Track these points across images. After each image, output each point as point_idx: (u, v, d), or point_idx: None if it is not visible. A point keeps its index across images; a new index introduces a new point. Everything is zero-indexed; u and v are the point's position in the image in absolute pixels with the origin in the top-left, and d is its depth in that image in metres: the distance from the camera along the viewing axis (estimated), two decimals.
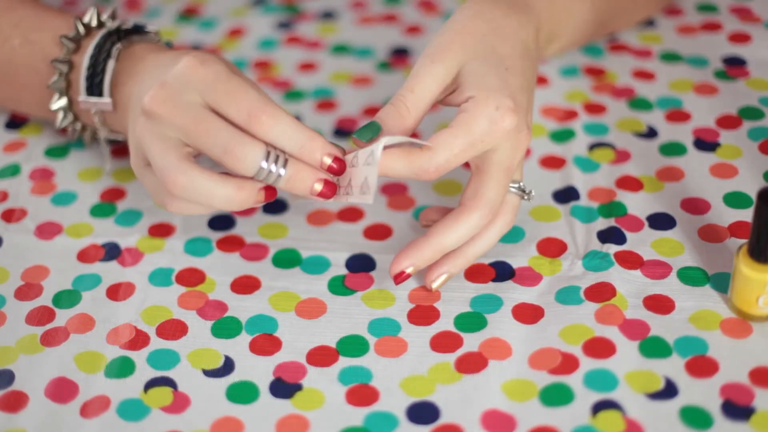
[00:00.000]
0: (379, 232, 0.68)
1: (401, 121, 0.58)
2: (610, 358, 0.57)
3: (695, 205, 0.67)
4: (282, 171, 0.56)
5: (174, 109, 0.56)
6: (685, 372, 0.56)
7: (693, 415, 0.54)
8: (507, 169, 0.59)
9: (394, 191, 0.71)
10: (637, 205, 0.67)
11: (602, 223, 0.66)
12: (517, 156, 0.59)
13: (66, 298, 0.64)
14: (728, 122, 0.73)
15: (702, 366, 0.57)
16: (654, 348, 0.58)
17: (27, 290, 0.64)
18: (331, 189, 0.57)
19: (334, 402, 0.57)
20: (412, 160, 0.56)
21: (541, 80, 0.80)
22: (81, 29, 0.67)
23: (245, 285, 0.64)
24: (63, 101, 0.67)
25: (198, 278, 0.65)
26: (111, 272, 0.65)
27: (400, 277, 0.60)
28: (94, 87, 0.65)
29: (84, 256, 0.67)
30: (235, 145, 0.55)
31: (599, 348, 0.58)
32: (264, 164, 0.56)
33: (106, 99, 0.65)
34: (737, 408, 0.54)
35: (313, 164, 0.57)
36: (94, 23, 0.68)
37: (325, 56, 0.85)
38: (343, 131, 0.77)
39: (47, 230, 0.69)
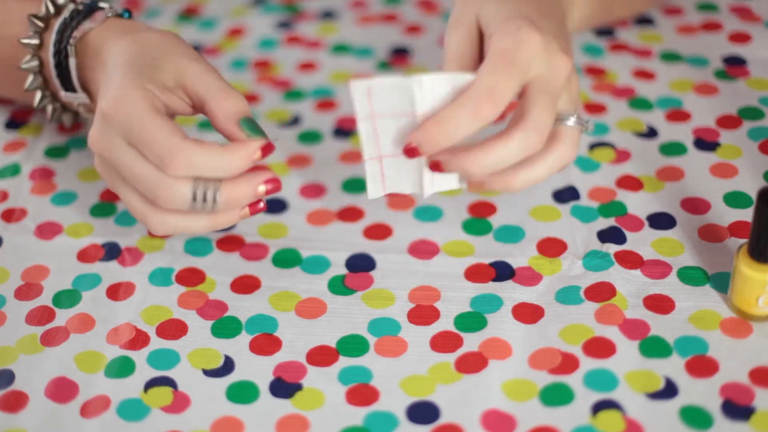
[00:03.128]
0: (379, 232, 0.68)
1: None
2: (610, 358, 0.57)
3: (695, 205, 0.67)
4: (217, 196, 0.56)
5: (107, 150, 0.57)
6: (685, 372, 0.56)
7: (693, 415, 0.54)
8: (548, 91, 0.57)
9: None
10: (638, 204, 0.67)
11: (602, 223, 0.66)
12: (558, 78, 0.57)
13: (66, 298, 0.64)
14: (728, 122, 0.73)
15: (702, 366, 0.57)
16: (654, 348, 0.58)
17: (27, 290, 0.64)
18: (275, 184, 0.58)
19: (334, 402, 0.57)
20: (463, 98, 0.55)
21: None
22: (50, 8, 0.65)
23: (245, 285, 0.64)
24: (38, 81, 0.66)
25: (198, 278, 0.65)
26: (111, 272, 0.65)
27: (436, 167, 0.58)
28: (67, 83, 0.65)
29: (84, 255, 0.66)
30: (158, 188, 0.56)
31: (599, 348, 0.58)
32: (195, 199, 0.56)
33: (81, 94, 0.64)
34: (737, 408, 0.54)
35: (246, 185, 0.57)
36: (52, 11, 0.66)
37: (325, 56, 0.85)
38: (343, 131, 0.76)
39: (47, 230, 0.69)
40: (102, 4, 0.66)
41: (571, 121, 0.59)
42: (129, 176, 0.57)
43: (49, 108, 0.68)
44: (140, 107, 0.56)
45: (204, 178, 0.56)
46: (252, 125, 0.57)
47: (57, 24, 0.64)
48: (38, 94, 0.67)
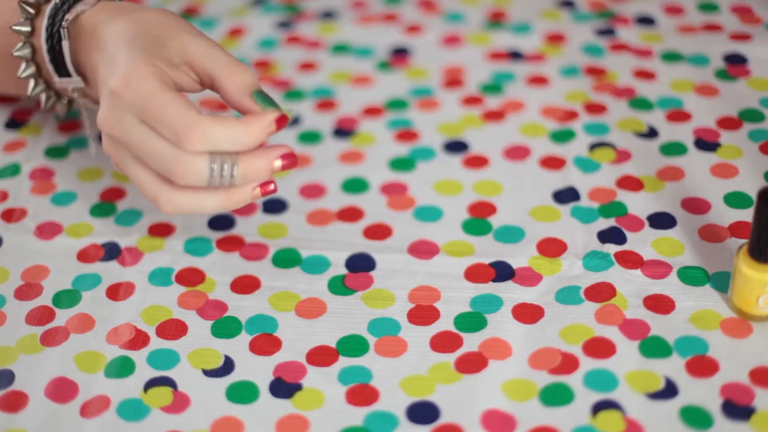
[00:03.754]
0: (379, 232, 0.68)
1: None
2: (610, 358, 0.57)
3: (695, 205, 0.67)
4: (234, 171, 0.56)
5: (118, 129, 0.56)
6: (685, 372, 0.56)
7: (693, 415, 0.54)
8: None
9: (394, 191, 0.71)
10: (638, 204, 0.67)
11: (602, 224, 0.66)
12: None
13: (66, 298, 0.63)
14: (729, 123, 0.73)
15: (702, 366, 0.57)
16: (654, 348, 0.58)
17: (27, 290, 0.64)
18: (291, 159, 0.57)
19: (334, 402, 0.57)
20: None
21: (542, 80, 0.80)
22: None
23: (245, 285, 0.64)
24: (31, 69, 0.65)
25: (198, 278, 0.65)
26: (111, 272, 0.65)
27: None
28: (61, 68, 0.64)
29: (84, 255, 0.66)
30: (175, 164, 0.55)
31: (599, 348, 0.58)
32: (213, 174, 0.55)
33: (76, 77, 0.63)
34: (737, 408, 0.54)
35: (263, 159, 0.56)
36: None
37: (325, 56, 0.85)
38: (343, 131, 0.76)
39: (47, 230, 0.68)
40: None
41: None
42: (143, 153, 0.56)
43: (43, 96, 0.67)
44: (151, 83, 0.56)
45: (220, 153, 0.55)
46: (265, 97, 0.57)
47: (48, 9, 0.63)
48: (31, 82, 0.66)
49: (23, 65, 0.65)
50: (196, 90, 0.60)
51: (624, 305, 0.60)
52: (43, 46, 0.63)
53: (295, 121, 0.78)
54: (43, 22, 0.63)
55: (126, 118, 0.56)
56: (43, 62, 0.65)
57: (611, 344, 0.58)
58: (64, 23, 0.62)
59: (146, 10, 0.61)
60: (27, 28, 0.64)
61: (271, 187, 0.58)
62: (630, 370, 0.57)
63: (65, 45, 0.63)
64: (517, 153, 0.73)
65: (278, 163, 0.57)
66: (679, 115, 0.75)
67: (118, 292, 0.64)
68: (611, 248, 0.64)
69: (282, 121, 0.57)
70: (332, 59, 0.84)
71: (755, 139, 0.71)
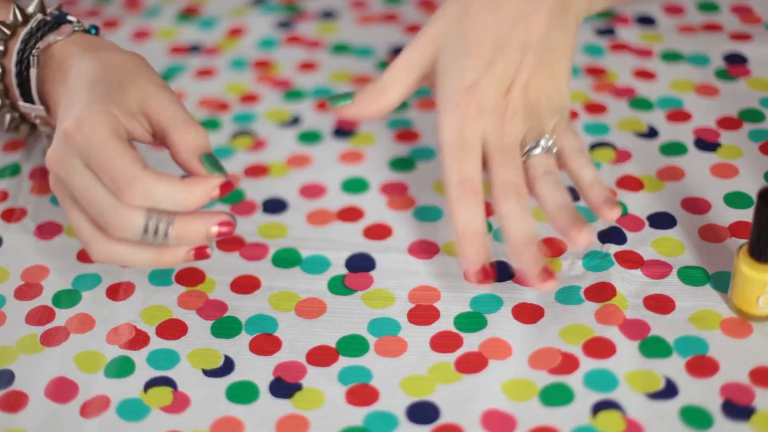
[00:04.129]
0: (379, 232, 0.68)
1: (377, 97, 0.62)
2: (610, 358, 0.57)
3: (696, 205, 0.67)
4: (169, 230, 0.55)
5: (64, 170, 0.56)
6: (685, 372, 0.56)
7: (693, 415, 0.54)
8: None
9: (394, 191, 0.71)
10: (638, 204, 0.67)
11: (603, 223, 0.66)
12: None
13: (66, 298, 0.64)
14: (729, 123, 0.73)
15: (702, 366, 0.57)
16: (654, 348, 0.58)
17: (27, 290, 0.64)
18: (229, 227, 0.56)
19: (334, 402, 0.57)
20: None
21: None
22: (18, 16, 0.64)
23: (245, 285, 0.64)
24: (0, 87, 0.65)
25: (198, 278, 0.65)
26: (111, 272, 0.65)
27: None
28: (27, 94, 0.63)
29: (84, 255, 0.66)
30: (110, 215, 0.55)
31: (599, 348, 0.58)
32: (147, 231, 0.55)
33: (39, 106, 0.63)
34: (737, 408, 0.54)
35: (200, 223, 0.56)
36: (20, 19, 0.65)
37: (325, 56, 0.85)
38: (342, 131, 0.77)
39: (47, 230, 0.68)
40: (70, 18, 0.65)
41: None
42: (82, 199, 0.56)
43: (8, 117, 0.66)
44: (102, 132, 0.55)
45: (158, 211, 0.55)
46: (213, 161, 0.56)
47: (23, 33, 0.63)
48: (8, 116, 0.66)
49: None
50: (148, 141, 0.59)
51: (624, 305, 0.60)
52: (12, 69, 0.63)
53: (295, 121, 0.78)
54: (16, 46, 0.63)
55: (72, 161, 0.56)
56: (10, 84, 0.64)
57: (611, 344, 0.58)
58: (34, 51, 0.62)
59: (117, 51, 0.61)
60: (0, 48, 0.64)
61: (207, 251, 0.57)
62: (630, 370, 0.57)
63: (33, 72, 0.62)
64: None
65: (215, 229, 0.56)
66: (679, 115, 0.75)
67: (118, 292, 0.64)
68: (611, 248, 0.64)
69: (227, 188, 0.56)
70: (332, 59, 0.84)
71: (755, 139, 0.71)
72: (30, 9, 0.65)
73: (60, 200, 0.58)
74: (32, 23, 0.64)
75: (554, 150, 0.61)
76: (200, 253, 0.57)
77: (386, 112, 0.63)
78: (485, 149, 0.60)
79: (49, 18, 0.64)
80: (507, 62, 0.60)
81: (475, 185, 0.59)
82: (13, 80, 0.63)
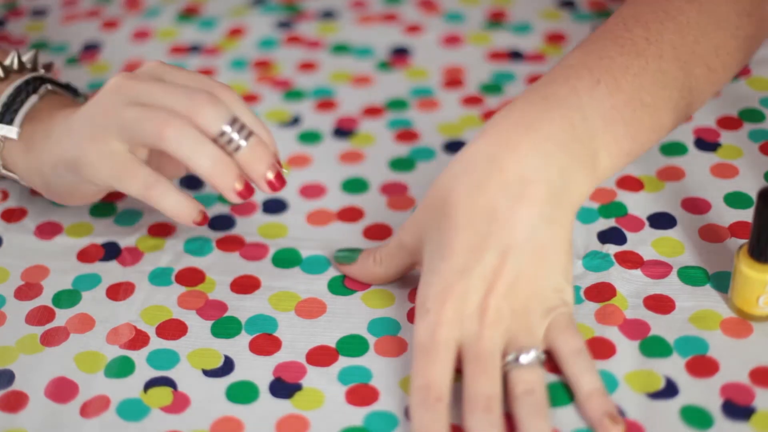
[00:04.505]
0: (379, 232, 0.68)
1: (375, 268, 0.62)
2: (610, 359, 0.57)
3: (696, 205, 0.67)
4: (243, 142, 0.56)
5: (143, 77, 0.58)
6: (685, 371, 0.56)
7: (693, 415, 0.54)
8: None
9: (394, 191, 0.71)
10: (638, 204, 0.67)
11: (602, 224, 0.66)
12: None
13: (66, 298, 0.63)
14: (729, 123, 0.73)
15: (702, 365, 0.56)
16: (654, 348, 0.58)
17: (27, 290, 0.64)
18: (280, 181, 0.58)
19: (334, 402, 0.57)
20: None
21: None
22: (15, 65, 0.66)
23: (245, 285, 0.64)
24: None
25: (198, 278, 0.65)
26: (111, 272, 0.65)
27: None
28: (7, 115, 0.63)
29: (84, 255, 0.66)
30: (201, 104, 0.56)
31: (599, 348, 0.58)
32: (227, 128, 0.56)
33: (13, 127, 0.63)
34: (738, 408, 0.54)
35: (269, 155, 0.57)
36: (15, 67, 0.66)
37: (325, 56, 0.85)
38: (342, 131, 0.77)
39: (47, 230, 0.68)
40: (74, 86, 0.67)
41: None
42: (170, 91, 0.57)
43: None
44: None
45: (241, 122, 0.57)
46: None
47: (2, 98, 0.64)
48: None
49: None
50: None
51: (624, 305, 0.60)
52: (8, 90, 0.64)
53: (295, 121, 0.78)
54: (14, 83, 0.64)
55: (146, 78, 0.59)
56: None
57: (611, 345, 0.58)
58: (48, 85, 0.65)
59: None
60: None
61: (248, 192, 0.58)
62: (630, 371, 0.56)
63: (33, 98, 0.64)
64: None
65: (270, 175, 0.57)
66: None
67: (118, 292, 0.64)
68: (611, 248, 0.64)
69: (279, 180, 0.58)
70: (332, 59, 0.84)
71: (755, 140, 0.71)
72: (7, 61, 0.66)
73: (120, 105, 0.58)
74: (9, 90, 0.64)
75: (542, 360, 0.55)
76: (248, 190, 0.57)
77: (380, 283, 0.63)
78: (461, 355, 0.55)
79: (29, 82, 0.65)
80: (483, 268, 0.55)
81: (438, 391, 0.53)
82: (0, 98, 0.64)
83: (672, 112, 0.61)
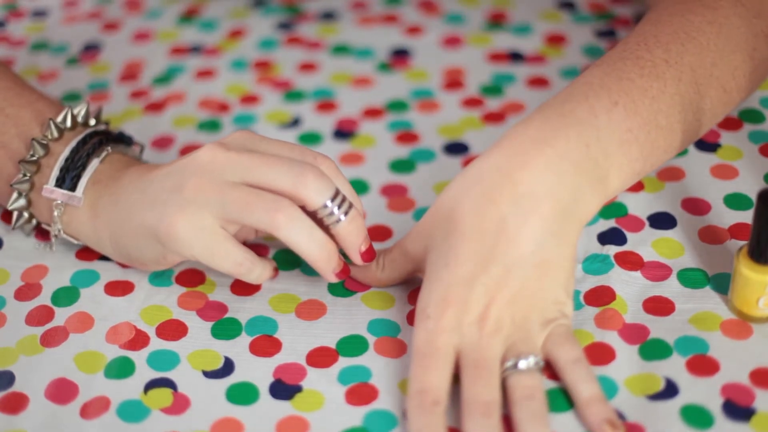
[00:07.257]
0: (379, 233, 0.68)
1: (374, 273, 0.62)
2: (610, 365, 0.57)
3: (696, 206, 0.67)
4: (343, 216, 0.57)
5: (233, 155, 0.58)
6: (685, 371, 0.56)
7: (693, 414, 0.54)
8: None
9: (395, 192, 0.71)
10: (638, 205, 0.67)
11: (603, 225, 0.66)
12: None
13: (65, 296, 0.63)
14: (729, 124, 0.73)
15: (703, 365, 0.56)
16: (654, 350, 0.58)
17: (27, 291, 0.64)
18: (371, 253, 0.60)
19: (334, 403, 0.57)
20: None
21: (542, 82, 0.80)
22: (54, 132, 0.63)
23: (245, 286, 0.64)
24: (22, 201, 0.63)
25: (198, 279, 0.65)
26: (110, 271, 0.65)
27: None
28: (68, 180, 0.62)
29: (83, 255, 0.66)
30: (306, 180, 0.56)
31: (599, 354, 0.58)
32: (329, 203, 0.57)
33: (78, 194, 0.62)
34: (738, 408, 0.54)
35: (363, 228, 0.59)
36: (68, 124, 0.64)
37: (326, 57, 0.85)
38: (343, 132, 0.77)
39: (47, 232, 0.68)
40: (135, 139, 0.67)
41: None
42: (266, 170, 0.57)
43: (15, 214, 0.64)
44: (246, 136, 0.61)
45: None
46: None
47: (60, 161, 0.63)
48: (16, 203, 0.64)
49: (14, 195, 0.63)
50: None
51: (624, 309, 0.60)
52: (66, 151, 0.63)
53: (295, 122, 0.78)
54: (54, 172, 0.63)
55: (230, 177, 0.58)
56: (46, 164, 0.63)
57: (611, 350, 0.58)
58: (109, 148, 0.64)
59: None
60: (32, 168, 0.63)
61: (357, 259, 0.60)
62: (630, 375, 0.56)
63: (94, 162, 0.63)
64: None
65: (364, 246, 0.60)
66: None
67: (117, 289, 0.64)
68: (611, 249, 0.64)
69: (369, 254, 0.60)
70: (332, 60, 0.84)
71: (755, 141, 0.71)
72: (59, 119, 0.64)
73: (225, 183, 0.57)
74: (66, 153, 0.63)
75: (540, 366, 0.55)
76: (344, 272, 0.60)
77: (381, 286, 0.63)
78: (460, 361, 0.55)
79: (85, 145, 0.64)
80: (487, 279, 0.55)
81: (435, 396, 0.53)
82: (59, 161, 0.62)
83: (684, 134, 0.62)
